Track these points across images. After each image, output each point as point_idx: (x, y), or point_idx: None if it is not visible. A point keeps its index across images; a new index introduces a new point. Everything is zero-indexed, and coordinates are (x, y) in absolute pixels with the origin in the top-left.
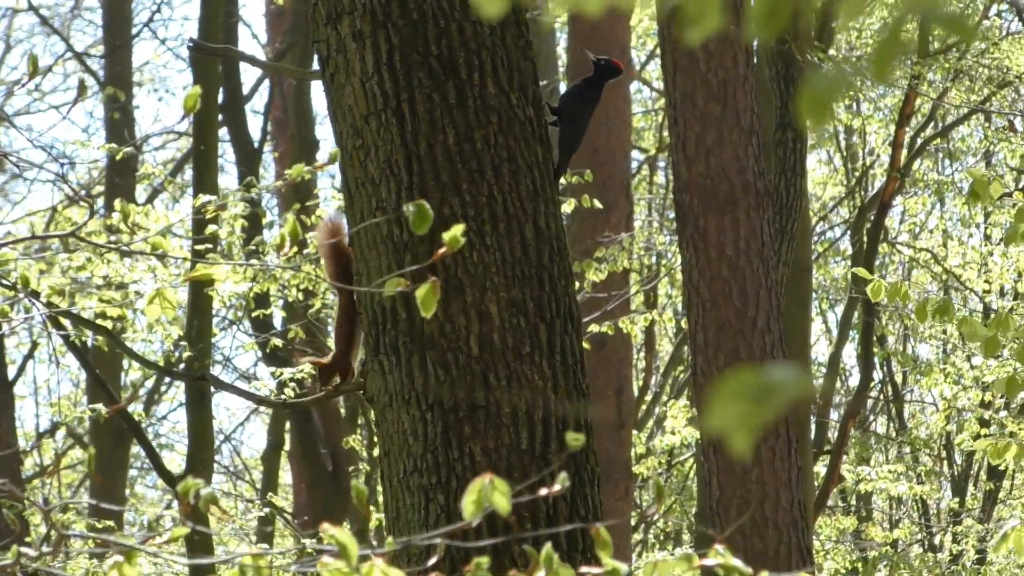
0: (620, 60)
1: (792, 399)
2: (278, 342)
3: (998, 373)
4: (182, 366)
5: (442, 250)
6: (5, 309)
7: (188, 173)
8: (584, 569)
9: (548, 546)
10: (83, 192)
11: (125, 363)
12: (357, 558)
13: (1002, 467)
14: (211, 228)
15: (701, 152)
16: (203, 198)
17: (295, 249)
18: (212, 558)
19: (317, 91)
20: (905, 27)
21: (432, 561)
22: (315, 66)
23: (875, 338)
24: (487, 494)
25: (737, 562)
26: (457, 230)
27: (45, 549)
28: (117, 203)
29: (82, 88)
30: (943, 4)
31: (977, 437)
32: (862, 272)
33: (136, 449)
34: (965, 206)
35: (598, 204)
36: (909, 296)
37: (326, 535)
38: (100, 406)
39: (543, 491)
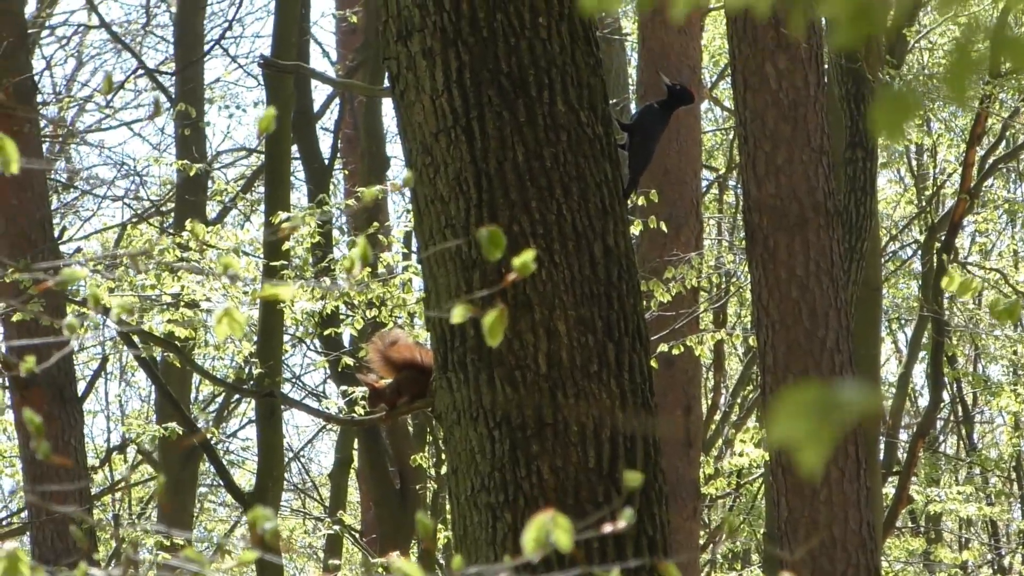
0: (692, 81)
1: (859, 414)
2: (348, 360)
3: None
4: (252, 383)
5: (512, 276)
6: (75, 324)
7: (259, 190)
8: None
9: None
10: (153, 209)
11: (195, 379)
12: None
13: None
14: (284, 245)
15: (771, 172)
16: (279, 216)
17: (367, 269)
18: None
19: (388, 108)
20: (976, 46)
21: None
22: (386, 83)
23: (945, 358)
24: (549, 529)
25: None
26: (528, 255)
27: (113, 569)
28: (188, 223)
29: (157, 107)
30: (1007, 29)
31: None
32: (948, 275)
33: (206, 466)
34: None
35: (664, 227)
36: (978, 290)
37: (394, 568)
38: (173, 424)
39: (607, 528)
